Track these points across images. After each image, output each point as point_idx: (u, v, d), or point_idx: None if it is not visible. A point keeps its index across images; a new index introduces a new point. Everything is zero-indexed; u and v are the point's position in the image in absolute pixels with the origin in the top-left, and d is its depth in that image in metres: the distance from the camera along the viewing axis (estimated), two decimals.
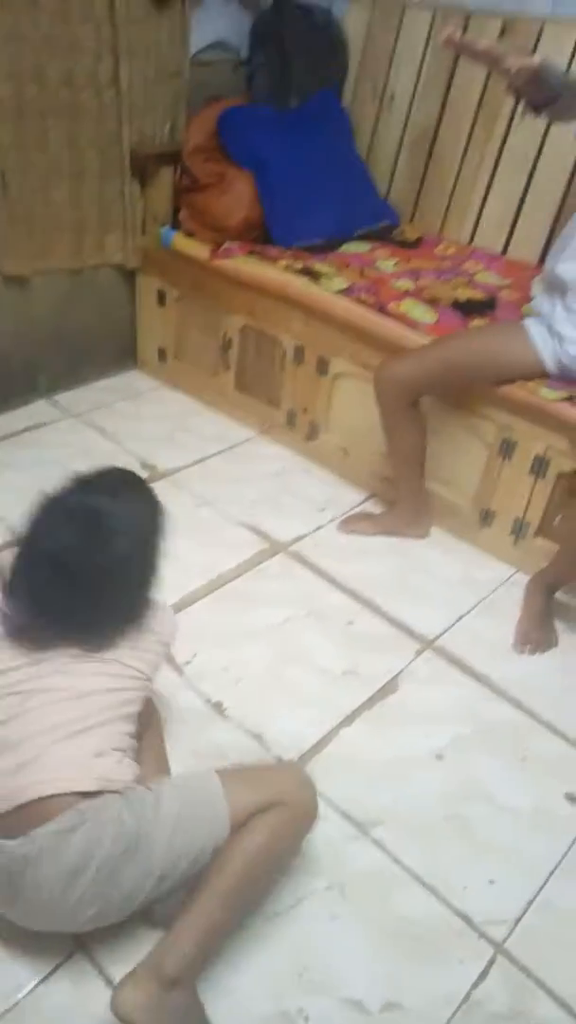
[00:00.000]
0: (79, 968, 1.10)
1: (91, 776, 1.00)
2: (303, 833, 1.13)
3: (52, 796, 0.98)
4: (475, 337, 1.73)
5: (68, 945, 1.11)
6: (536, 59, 1.17)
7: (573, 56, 1.94)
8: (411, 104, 2.25)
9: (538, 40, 1.99)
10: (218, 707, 1.47)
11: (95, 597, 1.05)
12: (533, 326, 1.65)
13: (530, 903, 1.23)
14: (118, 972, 1.03)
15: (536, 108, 1.28)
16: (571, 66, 1.95)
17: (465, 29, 2.09)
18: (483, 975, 1.14)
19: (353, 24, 2.33)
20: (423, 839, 1.30)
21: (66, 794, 0.98)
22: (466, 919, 1.20)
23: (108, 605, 1.08)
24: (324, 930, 1.17)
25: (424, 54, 2.20)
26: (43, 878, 0.98)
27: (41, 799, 0.98)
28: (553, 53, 1.96)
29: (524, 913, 1.22)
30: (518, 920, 1.21)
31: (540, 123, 1.98)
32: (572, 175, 2.01)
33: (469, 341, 1.71)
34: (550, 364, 1.63)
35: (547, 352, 1.62)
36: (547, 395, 1.63)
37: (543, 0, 2.00)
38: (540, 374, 1.65)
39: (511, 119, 2.08)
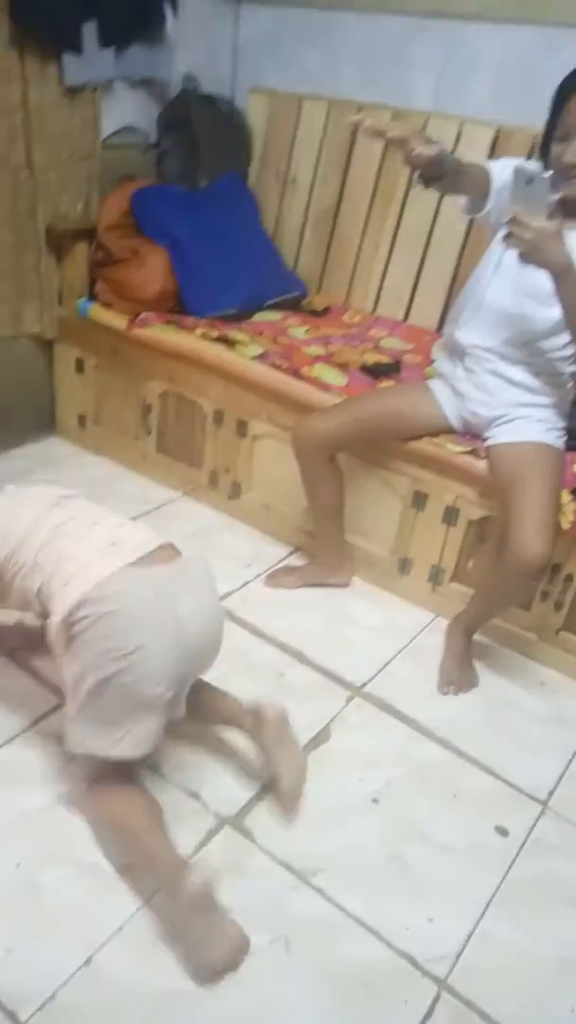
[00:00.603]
0: None
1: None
2: None
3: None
4: (385, 396, 1.85)
5: None
6: (435, 149, 1.32)
7: (455, 144, 2.15)
8: (312, 186, 2.43)
9: (424, 130, 2.19)
10: (154, 768, 1.46)
11: None
12: (437, 386, 1.78)
13: (469, 936, 1.27)
14: None
15: (427, 181, 1.44)
16: (453, 153, 2.16)
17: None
18: (429, 1013, 1.16)
19: (255, 113, 2.51)
20: (364, 883, 1.32)
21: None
22: (409, 959, 1.22)
23: None
24: (271, 988, 1.16)
25: (322, 141, 2.39)
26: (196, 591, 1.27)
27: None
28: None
29: (464, 947, 1.25)
30: (459, 955, 1.24)
31: (432, 203, 2.20)
32: (462, 249, 2.21)
33: (379, 400, 1.83)
34: (454, 420, 1.76)
35: (450, 409, 1.75)
36: (453, 449, 1.75)
37: (426, 97, 2.23)
38: (445, 430, 1.77)
39: (404, 200, 2.27)
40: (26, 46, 1.98)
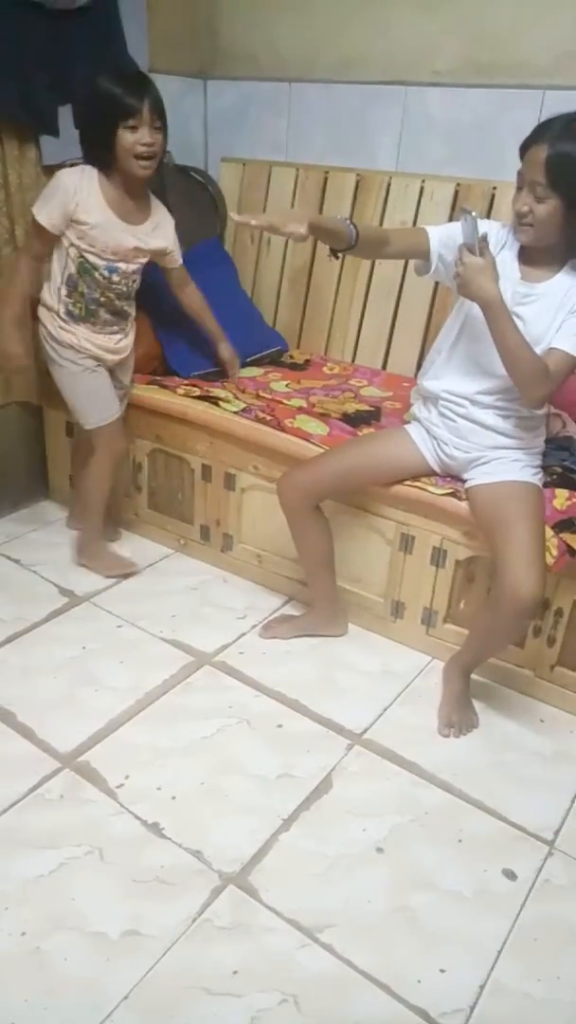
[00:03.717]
0: None
1: None
2: None
3: None
4: (364, 444, 1.89)
5: None
6: (303, 228, 1.40)
7: (419, 202, 2.25)
8: (286, 247, 2.52)
9: (388, 189, 2.30)
10: (155, 828, 1.45)
11: None
12: (414, 430, 1.82)
13: (483, 986, 1.24)
14: None
15: (334, 253, 1.54)
16: (418, 212, 2.25)
17: (325, 183, 2.40)
18: None
19: (227, 181, 2.61)
20: (373, 936, 1.30)
21: None
22: (423, 1014, 1.20)
23: None
24: None
25: (292, 204, 2.49)
26: None
27: None
28: (399, 200, 2.28)
29: (478, 999, 1.23)
30: (473, 1007, 1.22)
31: (400, 263, 2.28)
32: (433, 297, 2.28)
33: (360, 446, 1.87)
34: (432, 463, 1.80)
35: (428, 452, 1.79)
36: (434, 491, 1.79)
37: (388, 158, 2.34)
38: (425, 472, 1.81)
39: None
40: (3, 130, 2.08)
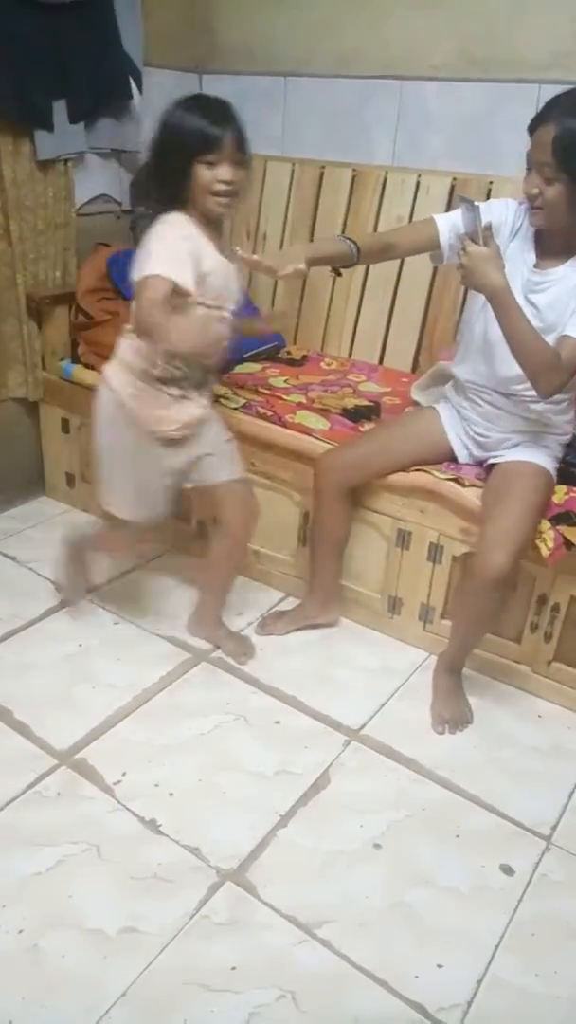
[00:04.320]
0: None
1: None
2: None
3: None
4: (396, 424, 1.89)
5: None
6: (302, 265, 1.42)
7: (415, 197, 2.24)
8: (282, 241, 2.51)
9: (384, 184, 2.29)
10: (152, 825, 1.45)
11: None
12: (444, 411, 1.82)
13: (480, 981, 1.25)
14: None
15: (336, 272, 1.56)
16: (414, 207, 2.24)
17: (321, 177, 2.40)
18: None
19: None
20: (370, 932, 1.30)
21: None
22: (420, 1009, 1.20)
23: None
24: None
25: (289, 199, 2.48)
26: None
27: None
28: (396, 194, 2.27)
29: (475, 994, 1.23)
30: (470, 1002, 1.22)
31: (395, 261, 2.26)
32: (429, 291, 2.28)
33: (392, 428, 1.87)
34: (457, 447, 1.80)
35: (455, 436, 1.79)
36: (438, 475, 1.78)
37: (385, 152, 2.33)
38: (448, 457, 1.81)
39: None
40: None
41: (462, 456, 1.81)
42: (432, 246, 1.61)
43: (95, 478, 1.79)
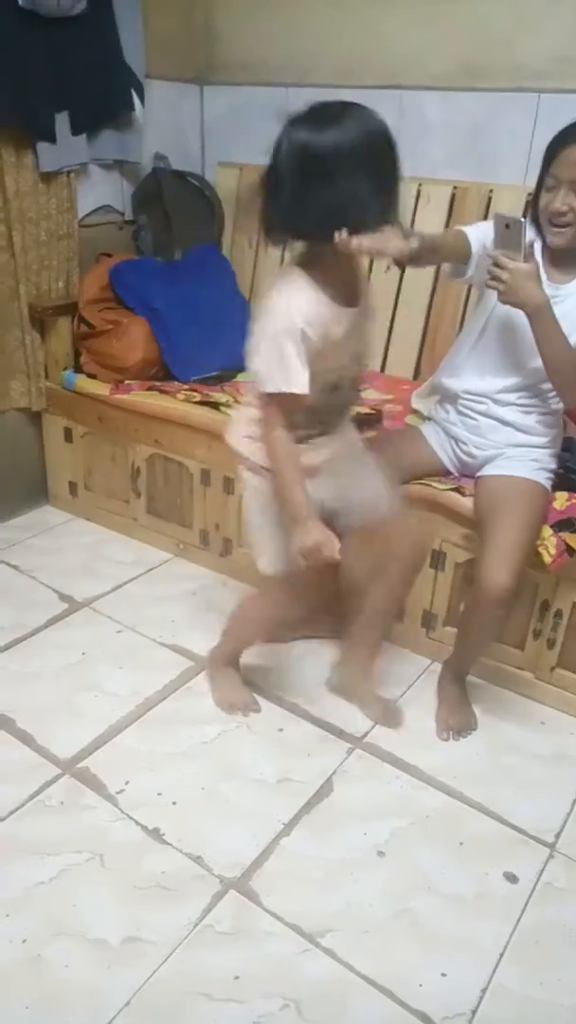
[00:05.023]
0: None
1: None
2: None
3: None
4: (388, 444, 1.87)
5: None
6: (414, 242, 1.31)
7: (416, 205, 2.25)
8: (283, 250, 2.51)
9: (395, 226, 2.30)
10: (156, 834, 1.45)
11: None
12: (429, 431, 1.83)
13: (484, 990, 1.24)
14: None
15: (400, 266, 1.51)
16: (415, 217, 2.25)
17: None
18: None
19: (224, 185, 2.62)
20: (374, 941, 1.30)
21: None
22: (424, 1018, 1.20)
23: None
24: None
25: None
26: None
27: None
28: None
29: (480, 1002, 1.23)
30: (475, 1011, 1.21)
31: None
32: (430, 301, 2.28)
33: (386, 447, 1.85)
34: (448, 463, 1.80)
35: (444, 452, 1.80)
36: (438, 487, 1.78)
37: None
38: (442, 472, 1.82)
39: (371, 262, 2.35)
40: (1, 136, 2.08)
41: (453, 471, 1.82)
42: (464, 258, 1.60)
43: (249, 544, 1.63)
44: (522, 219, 1.42)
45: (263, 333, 1.30)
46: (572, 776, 1.64)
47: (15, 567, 2.25)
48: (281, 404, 1.33)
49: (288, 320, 1.27)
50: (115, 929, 1.28)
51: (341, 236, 1.20)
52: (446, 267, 1.67)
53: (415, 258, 1.46)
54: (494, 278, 1.44)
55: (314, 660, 1.92)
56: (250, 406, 1.44)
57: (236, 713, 1.75)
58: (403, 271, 2.27)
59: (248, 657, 1.85)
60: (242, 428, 1.47)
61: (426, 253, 1.46)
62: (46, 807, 1.49)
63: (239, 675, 1.80)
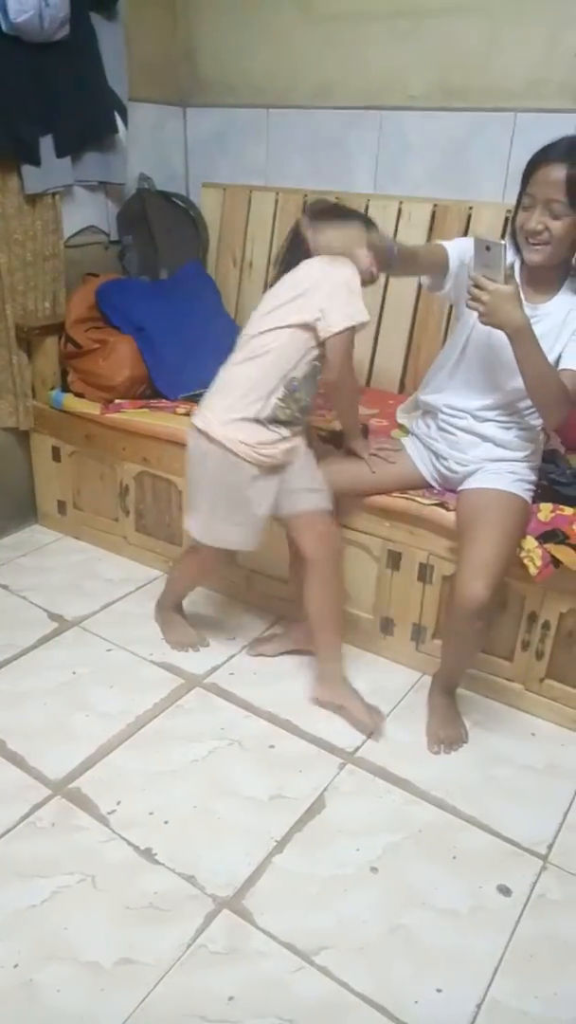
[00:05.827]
0: None
1: None
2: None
3: None
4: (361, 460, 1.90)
5: None
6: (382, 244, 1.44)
7: (397, 223, 2.28)
8: (268, 269, 2.55)
9: (367, 210, 2.33)
10: (147, 853, 1.44)
11: None
12: (410, 445, 1.84)
13: (480, 1005, 1.24)
14: None
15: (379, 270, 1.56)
16: (396, 235, 2.28)
17: (305, 205, 2.43)
18: None
19: (208, 205, 2.65)
20: (368, 957, 1.29)
21: None
22: None
23: None
24: None
25: (273, 227, 2.52)
26: None
27: None
28: (378, 220, 2.27)
29: (475, 1018, 1.22)
30: None
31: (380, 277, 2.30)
32: (413, 316, 2.31)
33: (357, 463, 1.87)
34: (428, 477, 1.82)
35: (424, 467, 1.82)
36: (422, 502, 1.80)
37: (366, 180, 2.37)
38: (423, 485, 1.83)
39: None
40: None
41: (435, 484, 1.83)
42: (440, 271, 1.63)
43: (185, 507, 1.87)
44: (502, 242, 1.44)
45: (329, 282, 1.55)
46: (564, 787, 1.65)
47: (4, 587, 2.24)
48: (351, 340, 1.59)
49: (348, 268, 1.55)
50: (108, 951, 1.27)
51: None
52: (424, 280, 1.70)
53: (386, 267, 1.50)
54: (475, 299, 1.45)
55: (303, 675, 1.92)
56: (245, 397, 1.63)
57: (187, 650, 1.99)
58: (387, 284, 2.30)
59: (239, 673, 1.85)
60: (229, 414, 1.64)
61: (402, 263, 1.52)
62: (37, 829, 1.48)
63: (185, 618, 2.05)
